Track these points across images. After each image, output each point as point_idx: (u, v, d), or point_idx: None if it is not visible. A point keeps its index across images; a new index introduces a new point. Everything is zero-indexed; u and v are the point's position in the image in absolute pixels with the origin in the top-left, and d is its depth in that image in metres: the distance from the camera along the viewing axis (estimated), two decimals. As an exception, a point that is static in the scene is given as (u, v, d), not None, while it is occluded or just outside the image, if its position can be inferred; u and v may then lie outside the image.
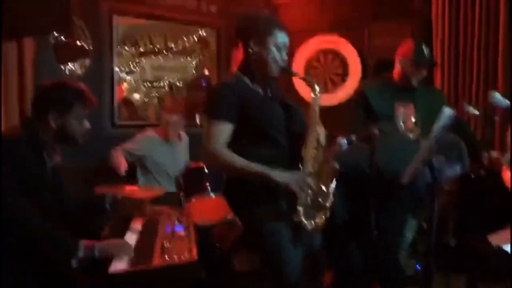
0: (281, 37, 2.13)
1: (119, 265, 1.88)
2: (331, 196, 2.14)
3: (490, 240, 2.24)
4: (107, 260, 1.92)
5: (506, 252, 2.10)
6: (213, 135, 2.08)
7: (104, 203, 2.38)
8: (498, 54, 4.06)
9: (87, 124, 2.19)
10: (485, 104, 4.03)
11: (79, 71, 3.94)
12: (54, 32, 3.68)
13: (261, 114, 2.11)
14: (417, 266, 3.66)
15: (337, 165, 2.17)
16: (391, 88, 2.95)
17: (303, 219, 2.07)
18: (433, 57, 2.98)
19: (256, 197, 2.09)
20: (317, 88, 2.18)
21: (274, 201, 2.10)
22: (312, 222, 2.09)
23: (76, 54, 3.93)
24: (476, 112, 2.81)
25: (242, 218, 2.26)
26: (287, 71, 2.22)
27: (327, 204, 2.13)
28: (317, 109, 2.16)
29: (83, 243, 1.96)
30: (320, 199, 2.11)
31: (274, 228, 2.10)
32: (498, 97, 2.56)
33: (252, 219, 2.16)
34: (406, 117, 2.87)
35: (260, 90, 2.18)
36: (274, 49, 2.11)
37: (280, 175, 2.04)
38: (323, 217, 2.13)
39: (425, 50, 2.89)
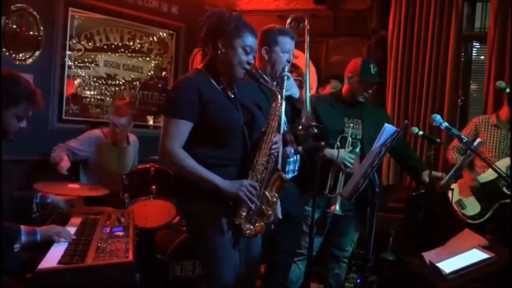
0: (249, 40, 2.13)
1: (48, 263, 1.81)
2: (275, 206, 2.15)
3: (424, 257, 2.30)
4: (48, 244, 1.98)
5: (438, 269, 2.17)
6: (171, 134, 2.06)
7: (31, 203, 2.30)
8: (447, 77, 4.24)
9: (24, 124, 2.09)
10: (431, 126, 4.19)
11: (28, 61, 3.79)
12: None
13: (219, 114, 2.09)
14: (358, 280, 3.73)
15: (284, 175, 2.18)
16: (339, 104, 3.03)
17: (243, 223, 2.07)
18: (378, 76, 3.07)
19: (204, 192, 2.08)
20: (279, 97, 2.18)
21: (220, 200, 2.08)
22: (252, 227, 2.10)
23: (26, 43, 3.78)
24: (421, 132, 2.90)
25: (187, 212, 2.24)
26: (251, 75, 2.20)
27: (270, 213, 2.13)
28: (276, 118, 2.16)
29: (24, 228, 1.99)
30: (263, 207, 2.11)
31: (215, 225, 2.09)
32: (438, 119, 2.66)
33: (196, 214, 2.15)
34: (354, 132, 2.95)
35: (221, 90, 2.16)
36: (241, 51, 2.10)
37: (228, 186, 2.05)
38: (263, 224, 2.13)
39: (372, 69, 2.98)
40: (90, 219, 2.50)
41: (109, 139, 3.81)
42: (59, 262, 1.81)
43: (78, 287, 1.76)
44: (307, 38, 2.84)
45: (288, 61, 2.63)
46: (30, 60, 3.81)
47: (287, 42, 2.63)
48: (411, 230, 3.58)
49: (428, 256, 2.33)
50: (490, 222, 3.27)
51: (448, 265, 2.21)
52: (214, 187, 2.05)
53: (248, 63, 2.14)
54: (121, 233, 2.21)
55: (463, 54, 4.36)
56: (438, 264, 2.23)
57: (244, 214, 2.07)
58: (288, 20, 2.89)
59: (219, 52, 2.12)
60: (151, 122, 4.76)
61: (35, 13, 3.79)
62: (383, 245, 3.65)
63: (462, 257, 2.24)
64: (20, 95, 2.02)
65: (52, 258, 1.86)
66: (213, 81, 2.15)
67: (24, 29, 3.78)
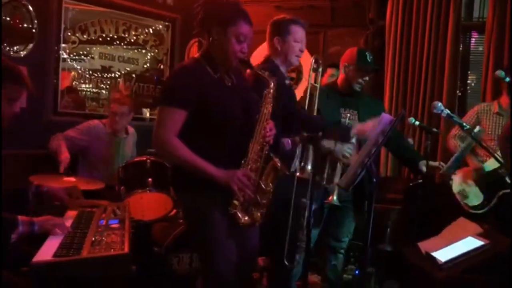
0: (244, 28, 2.10)
1: (44, 255, 1.79)
2: (269, 195, 2.13)
3: (420, 247, 2.29)
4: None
5: (434, 258, 2.16)
6: (165, 123, 2.05)
7: (27, 195, 2.29)
8: (445, 67, 4.21)
9: (16, 108, 2.07)
10: (429, 116, 4.18)
11: (21, 54, 3.75)
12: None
13: (215, 103, 2.08)
14: (356, 271, 3.73)
15: (280, 164, 2.16)
16: (335, 94, 3.01)
17: (238, 212, 2.06)
18: (375, 64, 3.05)
19: (199, 182, 2.06)
20: (272, 84, 2.17)
21: (216, 190, 2.07)
22: (247, 218, 2.09)
23: (19, 36, 3.74)
24: (417, 123, 2.87)
25: (184, 203, 2.23)
26: (245, 63, 2.19)
27: (264, 202, 2.12)
28: (268, 106, 2.14)
29: (21, 218, 2.01)
30: (258, 196, 2.09)
31: (212, 216, 2.08)
32: (439, 106, 2.63)
33: (192, 204, 2.14)
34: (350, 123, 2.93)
35: (218, 79, 2.14)
36: (234, 39, 2.08)
37: (222, 175, 2.04)
38: (259, 214, 2.12)
39: (368, 57, 2.97)
40: (86, 212, 2.48)
41: (109, 129, 3.78)
42: (54, 255, 1.79)
43: (73, 280, 1.74)
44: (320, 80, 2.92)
45: (301, 51, 2.68)
46: (24, 52, 3.77)
47: (299, 32, 2.68)
48: (409, 220, 3.57)
49: (423, 245, 2.32)
50: (492, 212, 3.23)
51: (444, 254, 2.20)
52: (208, 176, 2.03)
53: (242, 52, 2.12)
54: (117, 226, 2.19)
55: (461, 44, 4.33)
56: (433, 254, 2.21)
57: (238, 204, 2.06)
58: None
59: (212, 39, 2.11)
60: (147, 115, 4.73)
61: (28, 5, 3.74)
62: (381, 236, 3.65)
63: (458, 245, 2.23)
64: (4, 77, 1.99)
65: (47, 250, 1.84)
66: (210, 70, 2.13)
67: (18, 21, 3.73)
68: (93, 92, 4.33)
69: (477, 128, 3.02)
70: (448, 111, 2.63)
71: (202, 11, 2.13)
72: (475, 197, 3.26)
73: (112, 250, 1.84)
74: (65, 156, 3.44)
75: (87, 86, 4.29)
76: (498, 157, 2.51)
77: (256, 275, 3.53)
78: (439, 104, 2.63)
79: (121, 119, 3.75)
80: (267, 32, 2.76)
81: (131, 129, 3.98)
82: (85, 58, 4.23)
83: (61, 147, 3.51)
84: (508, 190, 3.16)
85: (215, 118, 2.08)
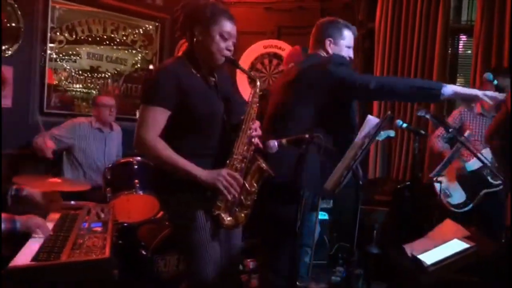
0: (227, 26, 2.08)
1: (21, 260, 1.76)
2: (254, 195, 2.11)
3: (406, 249, 2.28)
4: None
5: (419, 261, 2.15)
6: (147, 122, 2.01)
7: (5, 196, 2.24)
8: (434, 69, 4.23)
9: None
10: (417, 119, 4.19)
11: (8, 53, 3.71)
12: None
13: (198, 102, 2.05)
14: (343, 273, 3.73)
15: (265, 165, 2.14)
16: None
17: (222, 214, 2.04)
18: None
19: (182, 183, 2.04)
20: (258, 83, 2.14)
21: (201, 192, 2.04)
22: (231, 218, 2.07)
23: (6, 35, 3.70)
24: (405, 125, 2.87)
25: (168, 206, 2.19)
26: (231, 62, 2.15)
27: (249, 203, 2.10)
28: (254, 105, 2.12)
29: (3, 215, 1.95)
30: (242, 197, 2.07)
31: (196, 219, 2.05)
32: (399, 124, 2.64)
33: (177, 208, 2.10)
34: None
35: (201, 78, 2.12)
36: (218, 37, 2.06)
37: (206, 175, 2.01)
38: (243, 215, 2.10)
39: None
40: (70, 214, 2.44)
41: (95, 124, 3.78)
42: (33, 259, 1.75)
43: (52, 285, 1.70)
44: None
45: (349, 57, 2.58)
46: (10, 52, 3.72)
47: (351, 38, 2.60)
48: (396, 222, 3.57)
49: (409, 248, 2.31)
50: (474, 211, 3.29)
51: (429, 257, 2.19)
52: (192, 177, 2.00)
53: (228, 50, 2.10)
54: (99, 229, 2.15)
55: (450, 48, 4.34)
56: (419, 256, 2.21)
57: (222, 205, 2.04)
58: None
59: (197, 40, 2.09)
60: (137, 116, 4.68)
61: (14, 4, 3.70)
62: (368, 238, 3.65)
63: (443, 248, 2.22)
64: None
65: (26, 254, 1.80)
66: (193, 69, 2.10)
67: (5, 20, 3.69)
68: (83, 92, 4.30)
69: (467, 133, 3.05)
70: (406, 124, 2.62)
71: (183, 13, 2.12)
72: (457, 196, 3.31)
73: (93, 254, 1.80)
74: (49, 144, 3.42)
75: (75, 86, 4.25)
76: (483, 158, 2.51)
77: (244, 277, 3.51)
78: (400, 121, 2.59)
79: (106, 111, 3.77)
80: (314, 30, 2.63)
81: (116, 126, 3.97)
82: (73, 58, 4.19)
83: (46, 139, 3.49)
84: (490, 190, 3.21)
85: (198, 117, 2.06)
